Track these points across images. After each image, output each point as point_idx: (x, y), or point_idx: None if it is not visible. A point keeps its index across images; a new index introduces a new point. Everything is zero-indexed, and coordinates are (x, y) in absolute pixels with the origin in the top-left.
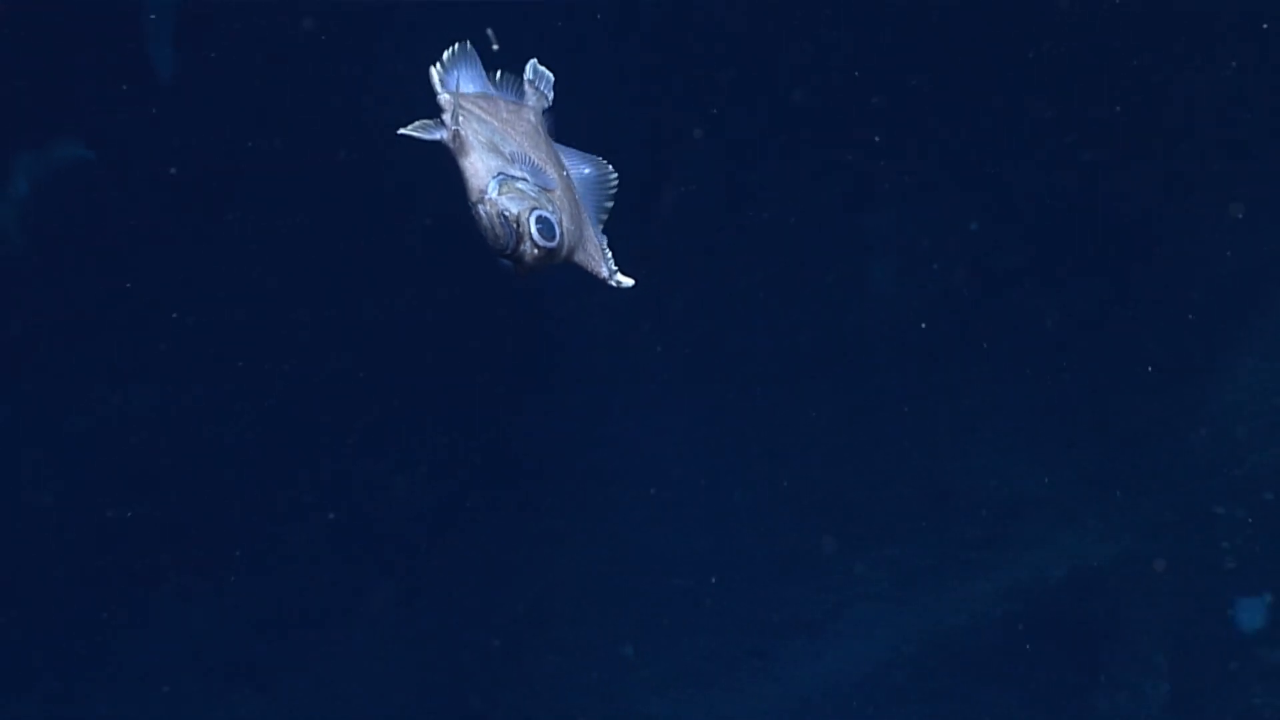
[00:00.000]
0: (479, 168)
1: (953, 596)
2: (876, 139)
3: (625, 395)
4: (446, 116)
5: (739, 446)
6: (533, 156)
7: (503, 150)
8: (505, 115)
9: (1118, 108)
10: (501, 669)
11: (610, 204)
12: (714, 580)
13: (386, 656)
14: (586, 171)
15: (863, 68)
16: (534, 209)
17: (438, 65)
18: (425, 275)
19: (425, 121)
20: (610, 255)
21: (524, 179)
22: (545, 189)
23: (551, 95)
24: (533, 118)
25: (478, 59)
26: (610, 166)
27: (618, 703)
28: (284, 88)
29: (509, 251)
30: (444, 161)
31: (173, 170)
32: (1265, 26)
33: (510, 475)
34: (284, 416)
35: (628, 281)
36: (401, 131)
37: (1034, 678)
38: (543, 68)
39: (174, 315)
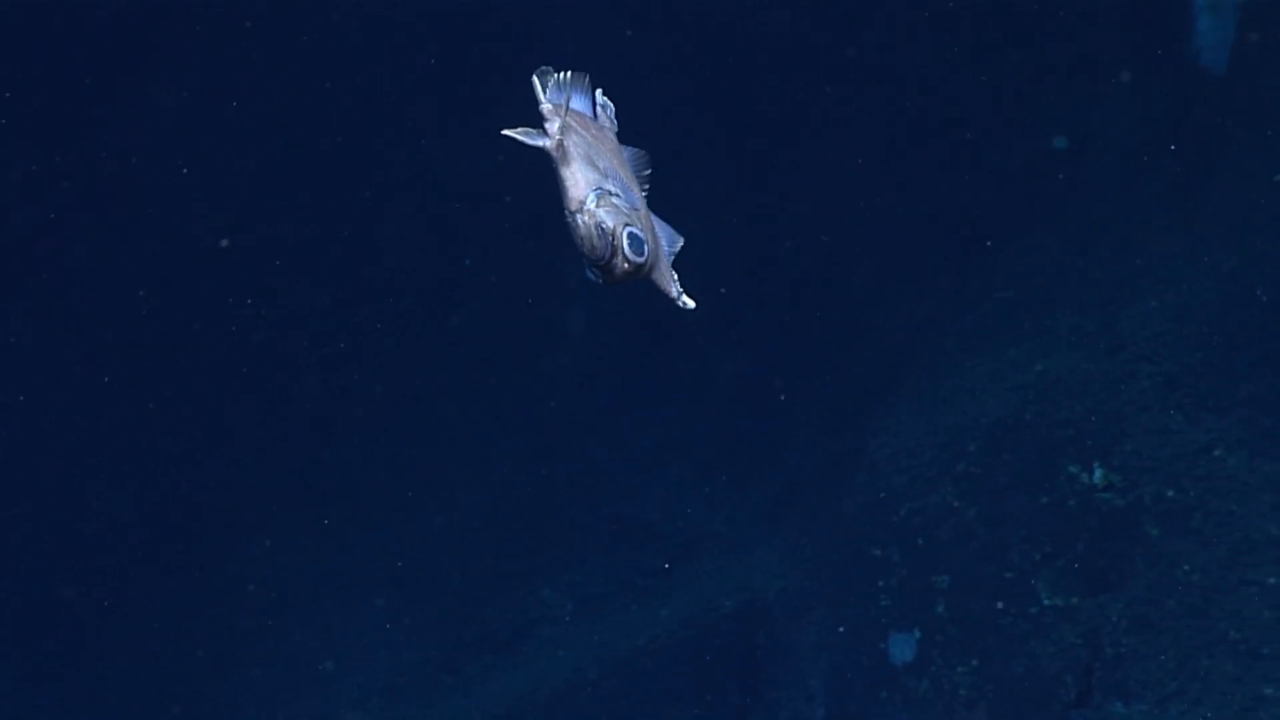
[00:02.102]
0: (579, 179)
1: (632, 622)
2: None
3: (331, 417)
4: (551, 126)
5: (437, 473)
6: (622, 175)
7: (598, 165)
8: (595, 131)
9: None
10: (204, 681)
11: (677, 249)
12: (410, 598)
13: (84, 667)
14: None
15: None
16: (627, 224)
17: (539, 76)
18: None
19: (528, 128)
20: (677, 277)
21: (617, 194)
22: (633, 207)
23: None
24: (614, 139)
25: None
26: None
27: (317, 715)
28: None
29: (602, 262)
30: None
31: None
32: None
33: (217, 488)
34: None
35: (691, 303)
36: (506, 133)
37: (704, 700)
38: (604, 96)
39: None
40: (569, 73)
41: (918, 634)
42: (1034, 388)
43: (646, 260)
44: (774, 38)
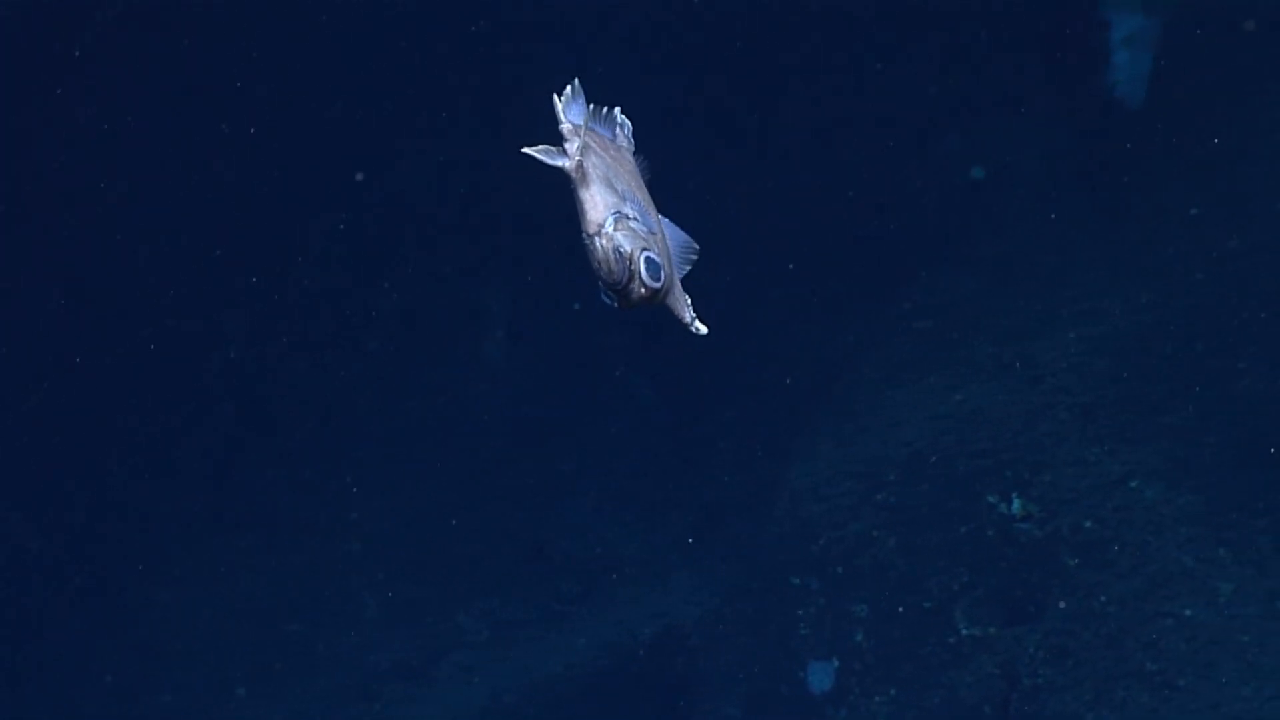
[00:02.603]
0: (598, 201)
1: (549, 648)
2: (481, 211)
3: (244, 441)
4: (571, 146)
5: (352, 499)
6: (639, 197)
7: (616, 187)
8: (613, 153)
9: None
10: (116, 706)
11: (689, 267)
12: (324, 625)
13: None
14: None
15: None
16: (645, 249)
17: (559, 96)
18: None
19: (548, 146)
20: (690, 302)
21: (635, 218)
22: (651, 231)
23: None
24: (632, 160)
25: (583, 95)
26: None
27: None
28: None
29: (619, 286)
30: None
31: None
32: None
33: (126, 513)
34: None
35: (704, 329)
36: (525, 151)
37: None
38: (623, 115)
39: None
40: (574, 84)
41: (836, 663)
42: (953, 418)
43: (663, 286)
44: (692, 70)
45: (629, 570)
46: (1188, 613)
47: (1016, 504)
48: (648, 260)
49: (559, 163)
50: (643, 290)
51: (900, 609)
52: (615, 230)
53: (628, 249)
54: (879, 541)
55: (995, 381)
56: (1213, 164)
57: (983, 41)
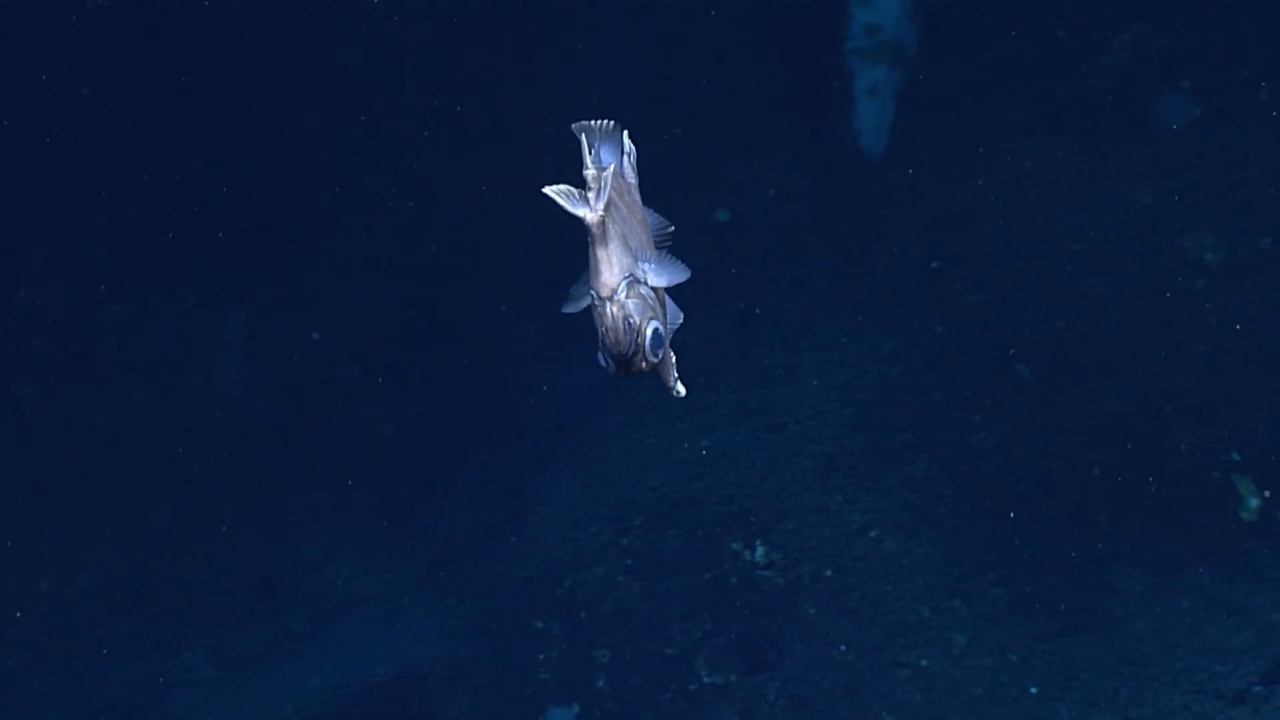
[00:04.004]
0: (614, 263)
1: (279, 687)
2: (220, 237)
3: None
4: (595, 198)
5: (74, 531)
6: (645, 243)
7: (630, 245)
8: (627, 197)
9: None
10: None
11: (678, 324)
12: (43, 661)
13: None
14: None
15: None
16: (652, 319)
17: (585, 135)
18: None
19: (570, 189)
20: (675, 360)
21: (645, 283)
22: (656, 293)
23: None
24: (639, 198)
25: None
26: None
27: None
28: None
29: (623, 358)
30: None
31: None
32: None
33: None
34: None
35: (683, 390)
36: (547, 192)
37: None
38: (630, 142)
39: None
40: (603, 123)
41: (576, 708)
42: (700, 463)
43: (661, 356)
44: (405, 125)
45: (364, 608)
46: (924, 663)
47: (760, 551)
48: (654, 333)
49: (580, 212)
50: (644, 365)
51: (643, 655)
52: (628, 298)
53: (637, 321)
54: (623, 586)
55: (741, 427)
56: (953, 217)
57: (730, 84)
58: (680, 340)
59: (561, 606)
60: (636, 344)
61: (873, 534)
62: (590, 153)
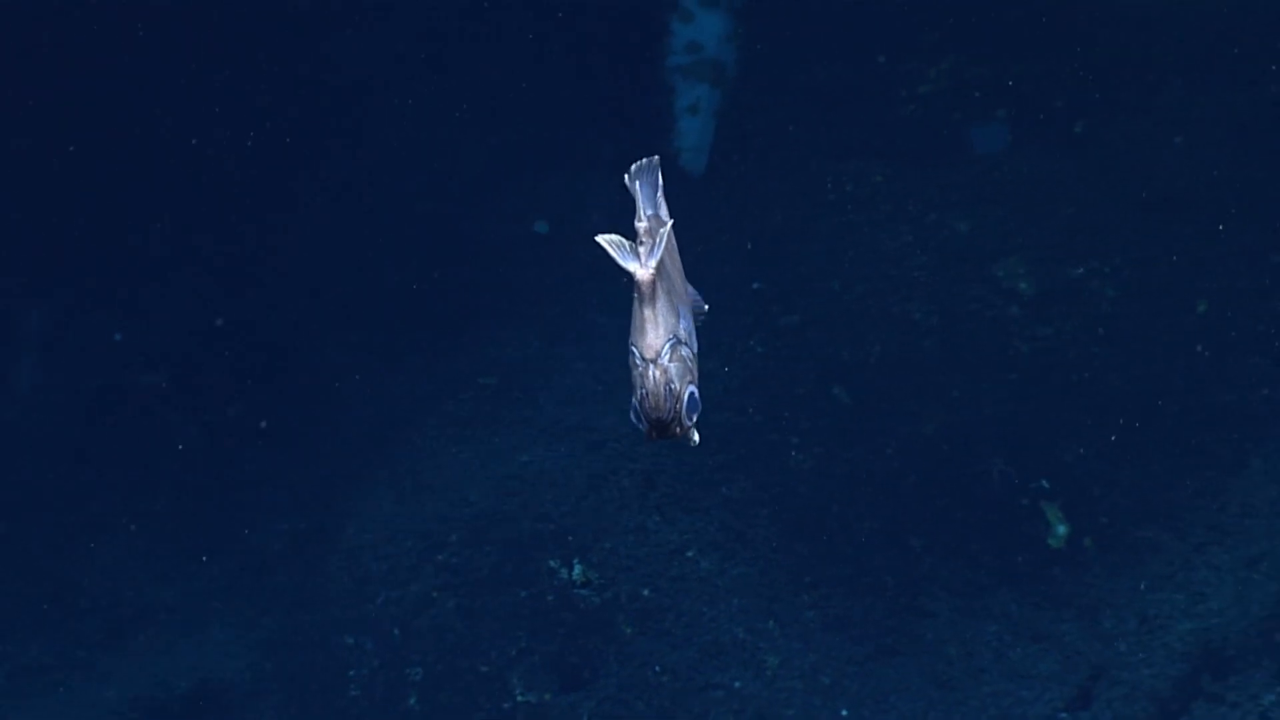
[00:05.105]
0: (660, 324)
1: (71, 699)
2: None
3: None
4: (647, 254)
5: None
6: (686, 301)
7: (673, 302)
8: (671, 243)
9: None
10: None
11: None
12: None
13: None
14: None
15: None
16: (690, 384)
17: (638, 183)
18: None
19: (622, 240)
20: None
21: (687, 344)
22: (693, 354)
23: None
24: (674, 240)
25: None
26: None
27: None
28: None
29: (662, 422)
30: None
31: None
32: None
33: None
34: None
35: (698, 440)
36: (600, 240)
37: None
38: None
39: None
40: (648, 160)
41: None
42: (518, 479)
43: (695, 418)
44: (218, 121)
45: (164, 618)
46: (737, 684)
47: (577, 570)
48: (690, 397)
49: (631, 266)
50: (678, 430)
51: (456, 673)
52: (670, 361)
53: (677, 386)
54: (438, 603)
55: (559, 444)
56: (773, 239)
57: (551, 95)
58: (494, 354)
59: (374, 622)
60: (675, 410)
61: (689, 554)
62: (643, 202)
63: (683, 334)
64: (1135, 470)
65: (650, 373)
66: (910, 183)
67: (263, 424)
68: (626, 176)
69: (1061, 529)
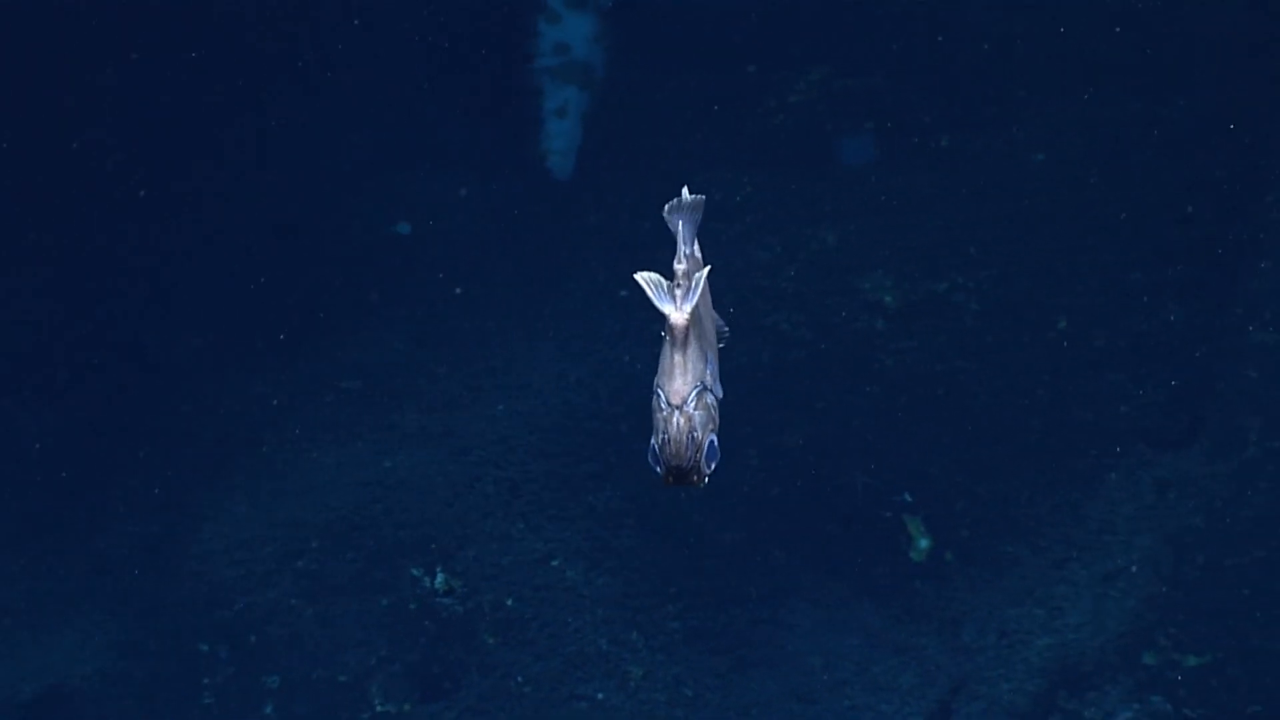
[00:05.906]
0: (689, 371)
1: None
2: None
3: None
4: (683, 298)
5: None
6: (713, 343)
7: (704, 348)
8: (705, 287)
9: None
10: None
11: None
12: None
13: None
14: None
15: None
16: (712, 432)
17: (681, 223)
18: None
19: (660, 280)
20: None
21: (712, 391)
22: (717, 400)
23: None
24: (707, 283)
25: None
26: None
27: None
28: None
29: (685, 467)
30: None
31: None
32: None
33: None
34: None
35: (707, 479)
36: (638, 278)
37: None
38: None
39: None
40: (690, 196)
41: None
42: (380, 485)
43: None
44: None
45: (7, 621)
46: (600, 696)
47: (440, 578)
48: (710, 446)
49: (666, 309)
50: (695, 479)
51: (314, 682)
52: (695, 409)
53: (700, 435)
54: (296, 610)
55: (423, 450)
56: (641, 245)
57: (416, 93)
58: (356, 357)
59: (229, 629)
60: (696, 459)
61: (555, 563)
62: (682, 241)
63: (709, 379)
64: (996, 485)
65: (675, 419)
66: (779, 193)
67: (116, 426)
68: (666, 210)
69: (923, 542)
